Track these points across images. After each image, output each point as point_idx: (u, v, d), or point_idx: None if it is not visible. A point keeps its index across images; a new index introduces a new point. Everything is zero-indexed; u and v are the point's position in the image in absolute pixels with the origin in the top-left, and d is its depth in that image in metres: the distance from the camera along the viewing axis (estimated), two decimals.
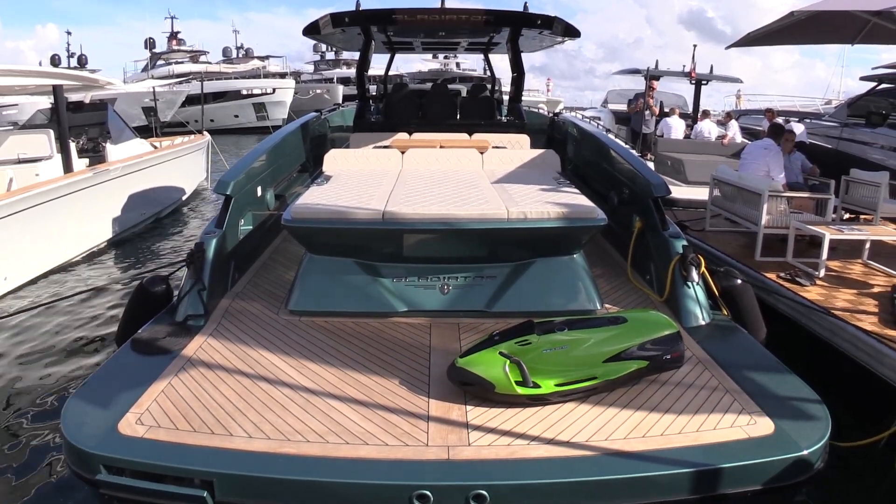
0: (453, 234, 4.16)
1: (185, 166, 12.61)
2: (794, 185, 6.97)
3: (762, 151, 6.93)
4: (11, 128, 10.03)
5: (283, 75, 43.57)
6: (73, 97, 16.88)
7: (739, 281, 4.39)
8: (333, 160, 6.13)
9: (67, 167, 8.85)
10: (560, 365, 3.05)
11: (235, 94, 37.16)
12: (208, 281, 4.34)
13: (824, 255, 5.67)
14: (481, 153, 6.23)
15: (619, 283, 4.94)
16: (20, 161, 8.56)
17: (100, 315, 6.57)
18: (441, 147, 6.52)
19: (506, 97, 9.75)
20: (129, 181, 9.89)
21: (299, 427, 2.93)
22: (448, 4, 8.02)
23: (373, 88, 10.82)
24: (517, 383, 2.99)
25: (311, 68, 55.98)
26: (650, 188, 4.88)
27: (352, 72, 45.06)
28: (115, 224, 9.42)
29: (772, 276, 5.63)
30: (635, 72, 13.10)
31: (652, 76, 12.53)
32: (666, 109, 12.36)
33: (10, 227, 7.03)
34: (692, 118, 12.63)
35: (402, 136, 7.51)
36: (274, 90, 37.63)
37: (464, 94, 10.51)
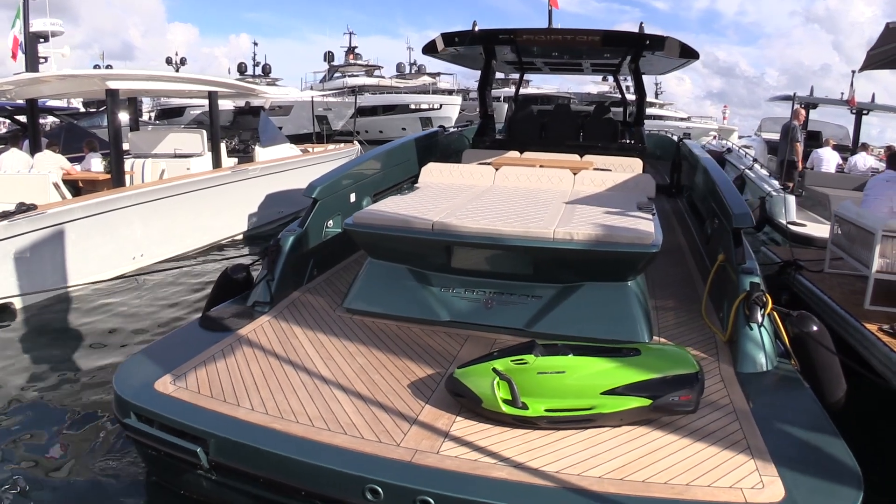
0: (498, 250, 4.16)
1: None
2: None
3: (884, 185, 6.10)
4: (195, 126, 11.33)
5: (451, 92, 44.97)
6: (256, 102, 18.70)
7: (815, 328, 3.89)
8: (429, 173, 6.33)
9: (217, 164, 9.88)
10: (553, 390, 2.96)
11: (404, 108, 38.96)
12: (279, 274, 4.74)
13: None
14: (575, 174, 6.12)
15: (690, 318, 4.62)
16: (176, 156, 9.68)
17: (198, 295, 7.25)
18: (541, 167, 6.49)
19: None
20: (270, 181, 10.77)
21: (297, 408, 3.17)
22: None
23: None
24: (505, 402, 2.94)
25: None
26: (731, 218, 4.58)
27: (522, 91, 45.44)
28: (252, 219, 10.32)
29: (873, 327, 4.95)
30: (787, 98, 12.11)
31: (807, 104, 11.48)
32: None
33: (150, 212, 8.02)
34: (851, 151, 11.40)
35: (513, 154, 7.56)
36: (441, 106, 38.93)
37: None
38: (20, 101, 10.37)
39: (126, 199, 7.56)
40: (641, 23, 7.16)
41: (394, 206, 4.74)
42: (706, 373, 3.63)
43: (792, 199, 9.45)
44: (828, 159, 10.84)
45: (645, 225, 4.23)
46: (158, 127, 15.89)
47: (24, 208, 6.22)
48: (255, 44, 48.02)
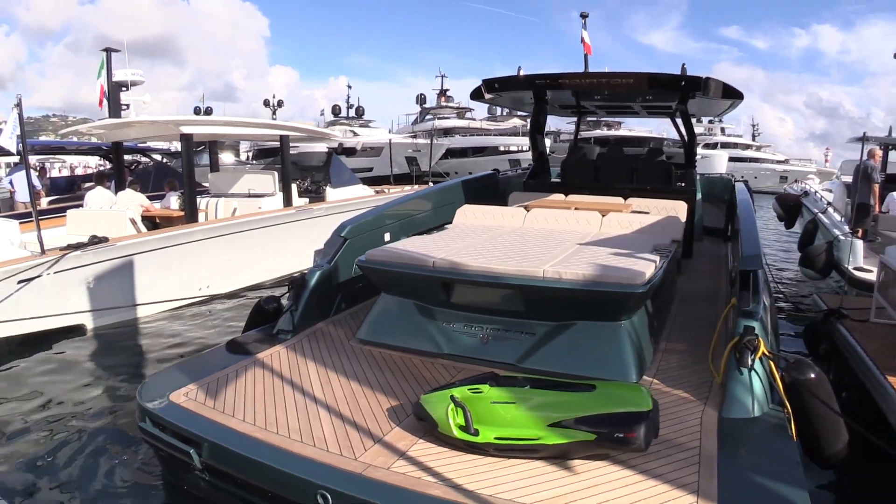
0: (492, 287, 4.32)
1: None
2: None
3: None
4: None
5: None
6: (349, 143, 19.66)
7: (812, 375, 3.68)
8: (463, 214, 6.60)
9: (287, 203, 10.54)
10: (503, 419, 3.09)
11: (494, 150, 39.58)
12: (303, 305, 5.13)
13: None
14: (603, 216, 6.19)
15: (696, 361, 4.53)
16: (249, 195, 10.43)
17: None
18: (575, 209, 6.59)
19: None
20: (336, 220, 11.29)
21: (281, 421, 3.52)
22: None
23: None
24: (460, 428, 3.10)
25: (571, 128, 57.21)
26: (739, 260, 4.56)
27: (612, 133, 45.31)
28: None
29: None
30: (861, 139, 11.55)
31: (886, 145, 10.88)
32: None
33: (216, 247, 8.70)
34: None
35: (558, 196, 7.69)
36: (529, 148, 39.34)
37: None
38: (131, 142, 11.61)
39: (191, 235, 8.29)
40: (683, 64, 7.17)
41: (409, 245, 5.02)
42: (689, 415, 3.66)
43: (860, 243, 8.98)
44: None
45: (642, 266, 4.25)
46: (235, 168, 17.13)
47: (95, 240, 7.01)
48: (349, 87, 50.62)
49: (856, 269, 8.63)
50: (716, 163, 38.79)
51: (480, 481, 2.89)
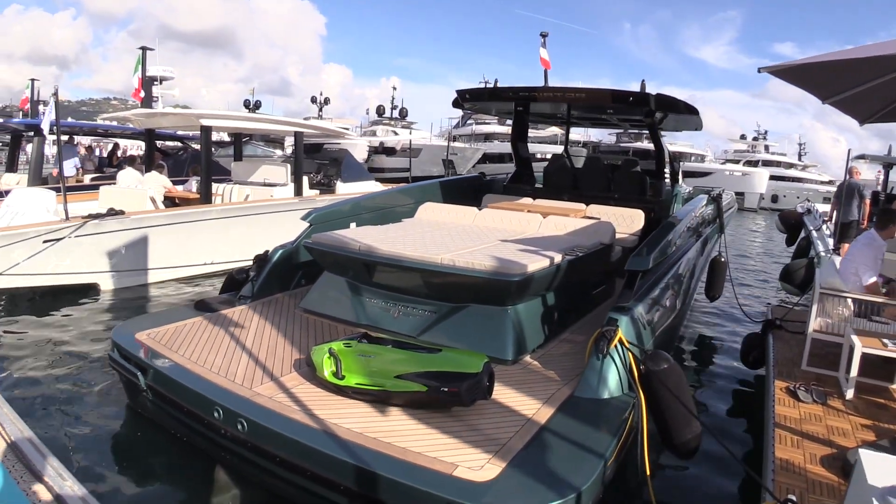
0: (399, 270, 5.07)
1: None
2: None
3: (856, 244, 6.08)
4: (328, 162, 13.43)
5: (578, 143, 45.48)
6: (389, 143, 20.59)
7: (665, 366, 3.92)
8: (424, 210, 7.40)
9: (298, 193, 11.52)
10: (364, 369, 3.87)
11: (531, 157, 40.02)
12: (264, 277, 6.07)
13: (854, 370, 4.83)
14: (544, 218, 6.89)
15: (582, 348, 4.93)
16: (265, 184, 11.47)
17: None
18: (528, 212, 7.28)
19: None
20: None
21: (210, 359, 4.45)
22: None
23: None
24: (332, 373, 3.94)
25: (613, 139, 57.09)
26: (630, 260, 5.01)
27: (651, 146, 45.02)
28: None
29: (782, 384, 5.11)
30: (861, 157, 11.59)
31: (889, 163, 11.08)
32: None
33: (221, 227, 9.78)
34: None
35: (526, 200, 8.38)
36: None
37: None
38: (169, 130, 12.93)
39: (196, 215, 9.38)
40: (643, 80, 7.39)
41: (351, 233, 5.84)
42: (544, 390, 4.19)
43: (838, 260, 9.27)
44: None
45: (530, 260, 4.80)
46: (255, 159, 18.42)
47: (113, 212, 8.13)
48: (394, 88, 50.84)
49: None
50: (755, 181, 38.34)
51: (333, 414, 3.68)
